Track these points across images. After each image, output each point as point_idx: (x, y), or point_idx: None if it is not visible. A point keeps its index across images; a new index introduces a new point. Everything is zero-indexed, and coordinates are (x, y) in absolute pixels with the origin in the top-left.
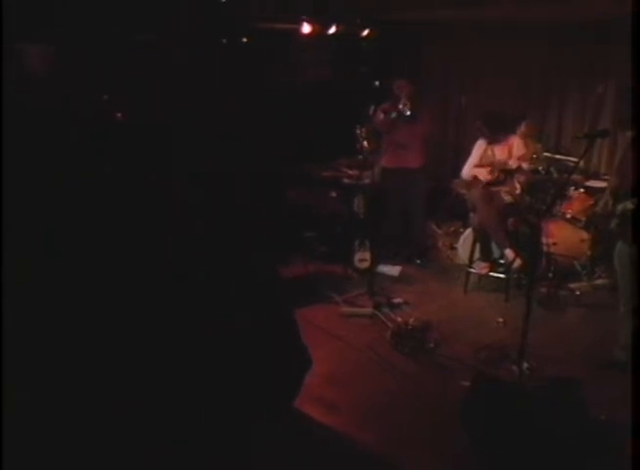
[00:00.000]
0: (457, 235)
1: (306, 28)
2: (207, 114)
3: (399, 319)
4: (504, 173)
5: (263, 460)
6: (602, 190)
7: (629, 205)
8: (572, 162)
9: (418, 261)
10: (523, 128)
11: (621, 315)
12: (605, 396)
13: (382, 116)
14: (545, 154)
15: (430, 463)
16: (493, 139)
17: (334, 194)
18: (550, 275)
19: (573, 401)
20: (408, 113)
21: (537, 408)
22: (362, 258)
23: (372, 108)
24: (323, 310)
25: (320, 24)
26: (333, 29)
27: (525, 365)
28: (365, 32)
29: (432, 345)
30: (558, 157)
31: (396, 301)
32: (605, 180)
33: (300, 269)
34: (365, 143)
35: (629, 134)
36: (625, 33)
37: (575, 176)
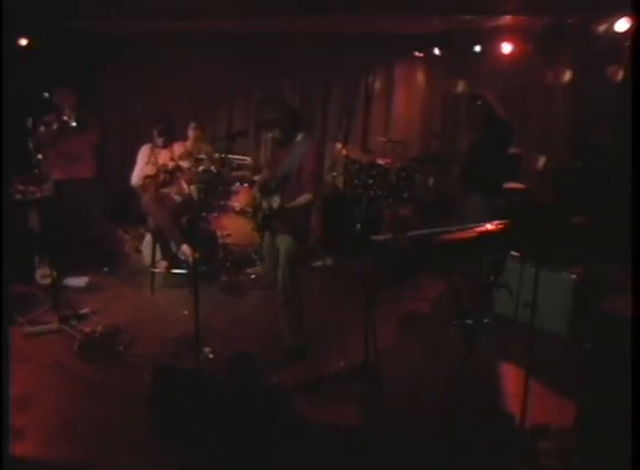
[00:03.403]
0: (142, 238)
1: None
2: None
3: (87, 329)
4: (169, 175)
5: None
6: None
7: (274, 201)
8: (242, 160)
9: (105, 269)
10: (191, 132)
11: (280, 308)
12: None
13: (42, 128)
14: (217, 154)
15: (129, 463)
16: (165, 144)
17: None
18: (228, 264)
19: (250, 375)
20: (74, 123)
21: (218, 387)
22: (44, 273)
23: (30, 120)
24: None
25: None
26: None
27: (207, 350)
28: (24, 41)
29: (121, 348)
30: (229, 156)
31: (83, 311)
32: None
33: None
34: (39, 156)
35: (271, 135)
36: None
37: (244, 172)
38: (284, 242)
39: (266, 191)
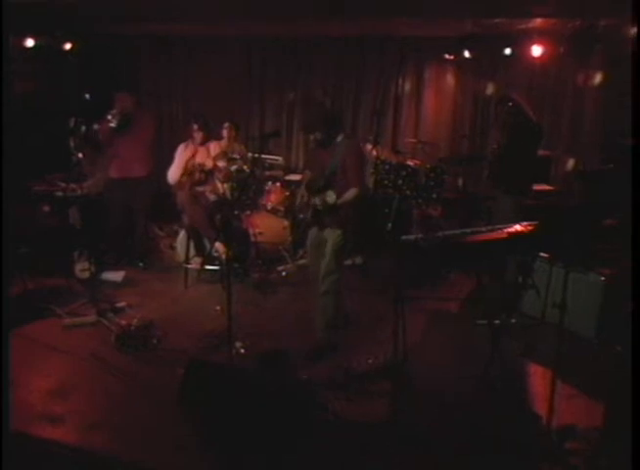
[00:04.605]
0: (176, 235)
1: None
2: None
3: (123, 322)
4: (205, 174)
5: None
6: (297, 182)
7: (329, 196)
8: (274, 159)
9: (141, 264)
10: (226, 132)
11: (320, 297)
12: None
13: (100, 128)
14: (250, 154)
15: (162, 452)
16: (202, 142)
17: (46, 208)
18: (260, 261)
19: (281, 370)
20: (113, 125)
21: (249, 382)
22: (83, 267)
23: (73, 120)
24: (45, 325)
25: (16, 37)
26: (31, 42)
27: (239, 345)
28: (68, 46)
29: (155, 341)
30: (262, 156)
31: (120, 305)
32: (300, 174)
33: (19, 287)
34: (80, 155)
35: (312, 137)
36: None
37: (275, 172)
38: (332, 234)
39: (314, 190)
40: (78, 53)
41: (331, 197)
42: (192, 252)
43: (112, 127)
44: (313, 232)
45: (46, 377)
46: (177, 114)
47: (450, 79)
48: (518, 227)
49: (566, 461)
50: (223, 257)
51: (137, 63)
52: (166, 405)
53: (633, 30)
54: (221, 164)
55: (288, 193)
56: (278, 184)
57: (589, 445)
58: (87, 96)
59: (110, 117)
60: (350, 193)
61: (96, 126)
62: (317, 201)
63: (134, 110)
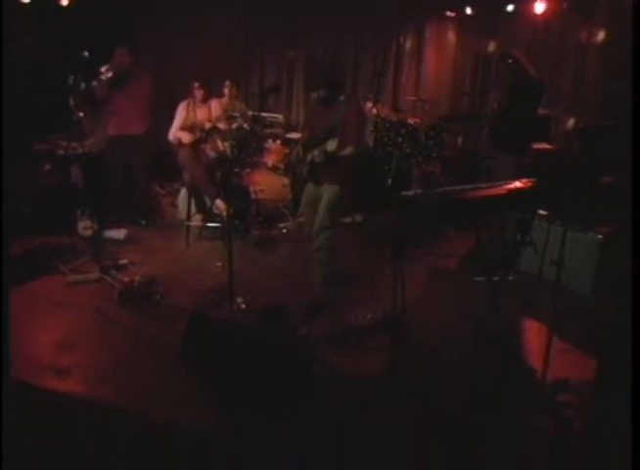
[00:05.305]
0: (177, 193)
1: None
2: None
3: (126, 279)
4: (205, 133)
5: None
6: (297, 141)
7: (330, 144)
8: (274, 117)
9: (143, 222)
10: (227, 90)
11: (314, 253)
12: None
13: (96, 84)
14: (250, 112)
15: (166, 407)
16: (203, 100)
17: (48, 166)
18: (260, 219)
19: (281, 325)
20: (106, 78)
21: (250, 336)
22: (85, 225)
23: (72, 78)
24: (49, 282)
25: None
26: None
27: (240, 301)
28: (66, 1)
29: (157, 297)
30: (262, 114)
31: (122, 262)
32: (300, 132)
33: (23, 245)
34: (81, 114)
35: (315, 95)
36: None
37: (275, 130)
38: (329, 190)
39: (311, 146)
40: (76, 9)
41: (331, 145)
42: (193, 209)
43: (106, 82)
44: (309, 188)
45: (51, 332)
46: (177, 72)
47: (451, 37)
48: (517, 184)
49: (559, 413)
50: (224, 214)
51: (136, 19)
52: (170, 360)
53: None
54: (222, 125)
55: (288, 151)
56: (278, 142)
57: (581, 397)
58: (85, 53)
59: (103, 70)
60: (347, 150)
61: (95, 83)
62: (316, 152)
63: (131, 66)
